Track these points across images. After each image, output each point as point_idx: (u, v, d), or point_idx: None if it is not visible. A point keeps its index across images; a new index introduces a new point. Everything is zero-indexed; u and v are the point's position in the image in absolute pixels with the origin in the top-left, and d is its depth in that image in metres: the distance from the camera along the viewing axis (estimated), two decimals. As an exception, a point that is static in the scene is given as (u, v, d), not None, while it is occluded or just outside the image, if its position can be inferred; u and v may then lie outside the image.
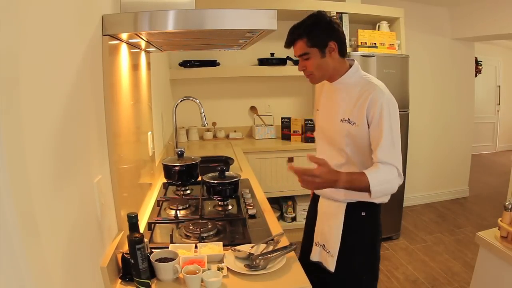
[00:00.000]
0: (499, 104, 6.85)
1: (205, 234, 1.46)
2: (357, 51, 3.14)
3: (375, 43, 3.22)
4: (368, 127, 1.40)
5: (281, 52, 3.21)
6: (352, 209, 1.51)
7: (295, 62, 3.28)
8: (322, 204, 1.61)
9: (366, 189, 1.32)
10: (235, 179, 1.74)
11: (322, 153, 1.57)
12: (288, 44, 1.46)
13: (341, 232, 1.52)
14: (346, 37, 3.21)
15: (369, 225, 1.56)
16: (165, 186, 2.04)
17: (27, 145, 0.68)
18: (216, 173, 1.75)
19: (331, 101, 1.51)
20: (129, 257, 1.09)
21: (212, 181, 1.72)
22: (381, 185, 1.33)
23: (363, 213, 1.52)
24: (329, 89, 1.54)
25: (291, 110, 3.67)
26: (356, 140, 1.43)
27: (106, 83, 1.17)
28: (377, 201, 1.52)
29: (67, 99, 0.90)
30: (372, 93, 1.38)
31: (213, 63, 3.33)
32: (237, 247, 1.31)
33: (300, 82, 3.58)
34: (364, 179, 1.32)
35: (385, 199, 1.53)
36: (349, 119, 1.42)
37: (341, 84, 1.48)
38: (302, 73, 1.50)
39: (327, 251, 1.55)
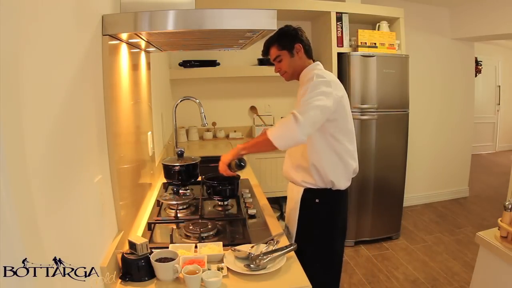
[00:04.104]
0: (499, 104, 6.85)
1: (205, 234, 1.46)
2: (357, 51, 3.13)
3: (375, 43, 3.22)
4: None
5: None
6: (308, 195, 1.66)
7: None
8: (288, 188, 1.79)
9: (266, 137, 1.51)
10: (235, 179, 1.74)
11: None
12: (264, 53, 1.76)
13: (297, 215, 1.68)
14: (346, 37, 3.25)
15: (322, 214, 1.66)
16: (165, 186, 2.04)
17: (27, 145, 0.68)
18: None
19: (296, 96, 1.72)
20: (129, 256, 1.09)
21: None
22: (278, 128, 1.52)
23: (316, 200, 1.66)
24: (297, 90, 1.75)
25: (290, 110, 3.67)
26: None
27: (106, 83, 1.17)
28: (330, 186, 1.64)
29: (67, 99, 0.90)
30: (310, 77, 1.61)
31: (213, 63, 3.33)
32: (237, 247, 1.31)
33: (300, 82, 3.58)
34: (262, 135, 1.56)
35: (341, 185, 1.64)
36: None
37: (301, 78, 1.73)
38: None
39: (290, 233, 1.72)
